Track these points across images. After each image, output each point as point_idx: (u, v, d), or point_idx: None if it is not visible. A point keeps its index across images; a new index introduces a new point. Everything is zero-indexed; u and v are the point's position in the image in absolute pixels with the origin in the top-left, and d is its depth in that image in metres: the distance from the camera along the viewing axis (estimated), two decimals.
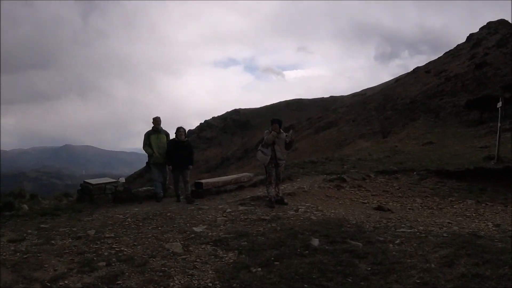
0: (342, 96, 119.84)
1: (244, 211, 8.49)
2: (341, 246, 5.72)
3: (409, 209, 9.72)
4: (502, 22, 73.07)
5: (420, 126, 34.31)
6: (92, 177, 12.37)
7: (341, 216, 7.98)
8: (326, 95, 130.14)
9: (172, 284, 4.75)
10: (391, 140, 31.64)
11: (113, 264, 5.42)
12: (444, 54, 75.93)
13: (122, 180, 15.10)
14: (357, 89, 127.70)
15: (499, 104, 15.24)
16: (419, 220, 7.91)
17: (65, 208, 9.52)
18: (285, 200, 9.57)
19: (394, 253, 5.38)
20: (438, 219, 8.21)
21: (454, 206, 10.11)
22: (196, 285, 4.74)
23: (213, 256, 5.64)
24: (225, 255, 5.65)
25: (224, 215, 8.23)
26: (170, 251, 5.88)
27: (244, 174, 13.36)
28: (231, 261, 5.41)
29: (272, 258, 5.34)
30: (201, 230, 6.99)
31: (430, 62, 75.08)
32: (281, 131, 9.52)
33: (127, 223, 7.83)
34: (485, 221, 8.26)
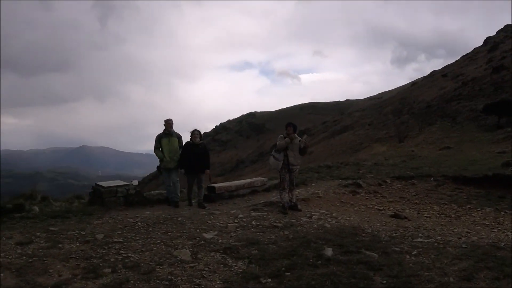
0: (358, 100, 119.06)
1: (257, 217, 8.29)
2: (356, 256, 5.48)
3: (426, 217, 9.42)
4: None
5: (436, 131, 33.77)
6: (108, 178, 12.28)
7: (356, 224, 7.74)
8: (342, 99, 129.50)
9: None
10: (407, 144, 31.17)
11: (119, 271, 5.26)
12: (461, 57, 75.03)
13: (135, 182, 14.99)
14: (373, 93, 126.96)
15: None
16: (436, 229, 7.63)
17: (76, 210, 9.43)
18: (299, 206, 9.35)
19: (410, 265, 5.12)
20: (457, 228, 7.91)
21: (473, 214, 9.77)
22: None
23: (222, 265, 5.44)
24: (235, 264, 5.44)
25: (236, 221, 8.03)
26: (178, 259, 5.69)
27: (257, 178, 13.15)
28: (240, 270, 5.21)
29: (283, 269, 5.12)
30: (211, 236, 6.80)
31: (446, 66, 74.24)
32: (296, 135, 9.31)
33: (136, 227, 7.70)
34: (505, 231, 7.94)
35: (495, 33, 75.31)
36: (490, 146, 22.92)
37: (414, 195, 12.11)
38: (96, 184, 10.82)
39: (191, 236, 6.85)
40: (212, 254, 5.86)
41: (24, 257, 5.79)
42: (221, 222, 7.90)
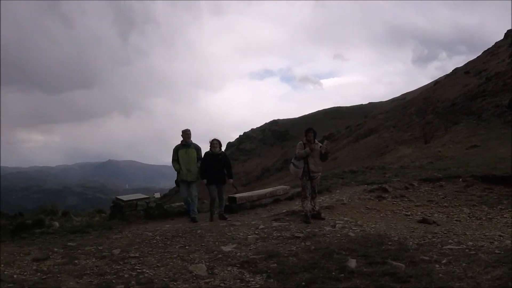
0: (381, 102, 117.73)
1: (278, 228, 7.98)
2: (381, 267, 5.11)
3: (456, 220, 8.92)
4: None
5: (462, 129, 32.96)
6: (135, 191, 12.18)
7: (382, 231, 7.33)
8: (365, 102, 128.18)
9: None
10: (433, 145, 30.46)
11: (131, 287, 5.06)
12: (482, 53, 73.37)
13: (157, 195, 14.87)
14: (396, 94, 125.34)
15: None
16: (467, 233, 7.18)
17: (96, 225, 9.40)
18: (322, 215, 9.00)
19: (440, 275, 4.73)
20: (488, 231, 7.43)
21: (505, 216, 9.24)
22: None
23: (238, 280, 5.15)
24: (252, 279, 5.15)
25: (256, 232, 7.74)
26: (194, 274, 5.45)
27: (280, 187, 12.87)
28: (258, 286, 4.92)
29: (303, 283, 4.79)
30: (230, 249, 6.53)
31: (469, 63, 72.73)
32: (316, 141, 9.00)
33: (155, 241, 7.56)
34: None
35: None
36: None
37: (443, 198, 11.63)
38: (117, 198, 10.74)
39: (209, 250, 6.61)
40: (229, 268, 5.58)
41: (39, 274, 5.72)
42: (241, 234, 7.63)
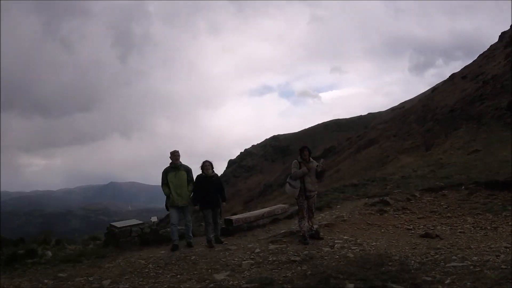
0: (380, 112, 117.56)
1: (274, 251, 7.64)
2: None
3: (459, 232, 8.56)
4: None
5: (463, 135, 32.66)
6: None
7: (383, 250, 6.98)
8: (364, 113, 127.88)
9: None
10: (435, 152, 30.15)
11: None
12: (478, 57, 73.19)
13: (154, 219, 14.54)
14: (395, 103, 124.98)
15: None
16: (472, 247, 6.84)
17: (89, 253, 9.11)
18: (321, 234, 8.66)
19: None
20: (494, 243, 7.09)
21: (510, 223, 8.89)
22: None
23: None
24: None
25: (252, 256, 7.41)
26: None
27: (278, 206, 12.54)
28: None
29: None
30: (223, 277, 6.19)
31: (465, 67, 72.51)
32: (311, 159, 8.70)
33: (147, 270, 7.26)
34: None
35: (509, 28, 73.31)
36: None
37: (446, 208, 11.32)
38: (111, 225, 10.44)
39: (201, 279, 6.28)
40: None
41: None
42: (236, 260, 7.29)
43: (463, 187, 13.08)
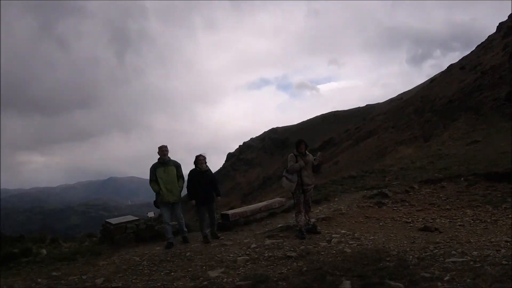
0: (378, 104, 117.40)
1: (270, 246, 7.49)
2: None
3: (459, 225, 8.41)
4: None
5: (462, 126, 32.53)
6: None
7: (381, 244, 6.82)
8: (362, 104, 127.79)
9: None
10: (433, 143, 30.02)
11: None
12: (476, 47, 73.09)
13: (151, 214, 14.38)
14: (393, 94, 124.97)
15: None
16: (472, 241, 6.68)
17: (84, 251, 8.98)
18: (318, 228, 8.51)
19: None
20: (494, 236, 6.94)
21: (510, 216, 8.72)
22: None
23: None
24: None
25: (248, 252, 7.27)
26: None
27: (275, 199, 12.41)
28: None
29: None
30: (217, 275, 6.04)
31: (463, 58, 72.39)
32: (307, 153, 8.53)
33: (141, 267, 7.16)
34: None
35: (506, 18, 73.17)
36: None
37: (445, 200, 11.20)
38: (106, 222, 10.33)
39: (195, 276, 6.14)
40: None
41: None
42: (231, 255, 7.15)
43: (462, 178, 12.97)
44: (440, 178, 13.62)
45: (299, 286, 5.05)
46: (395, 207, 10.97)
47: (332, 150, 59.81)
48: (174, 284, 5.85)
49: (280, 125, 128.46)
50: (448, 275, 4.80)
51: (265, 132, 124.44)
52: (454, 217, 9.29)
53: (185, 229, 9.42)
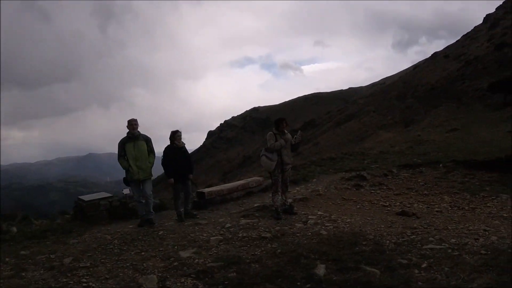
0: (361, 87, 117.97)
1: (245, 226, 7.32)
2: (353, 275, 4.45)
3: (437, 211, 8.34)
4: None
5: (442, 113, 32.87)
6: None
7: (357, 228, 6.69)
8: (345, 87, 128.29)
9: None
10: (413, 129, 30.28)
11: None
12: (462, 37, 73.90)
13: (127, 191, 14.11)
14: (376, 79, 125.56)
15: None
16: (449, 227, 6.59)
17: (56, 228, 8.70)
18: (294, 209, 8.36)
19: (420, 283, 4.11)
20: (472, 224, 6.86)
21: (488, 204, 8.75)
22: None
23: None
24: None
25: (222, 232, 7.08)
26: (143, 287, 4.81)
27: (252, 178, 12.23)
28: None
29: None
30: (188, 255, 5.83)
31: (448, 47, 73.16)
32: (286, 131, 8.32)
33: (111, 246, 6.89)
34: None
35: (494, 10, 74.14)
36: (499, 125, 21.96)
37: (423, 185, 11.19)
38: (78, 198, 10.02)
39: (165, 256, 5.92)
40: (182, 280, 4.87)
41: None
42: (204, 235, 6.95)
43: (440, 165, 13.02)
44: (418, 164, 13.66)
45: (272, 269, 4.88)
46: (373, 190, 10.92)
47: (313, 131, 59.96)
48: (144, 264, 5.64)
49: (262, 105, 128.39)
50: (426, 262, 4.67)
51: (246, 111, 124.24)
52: (431, 203, 9.24)
53: (152, 211, 8.72)
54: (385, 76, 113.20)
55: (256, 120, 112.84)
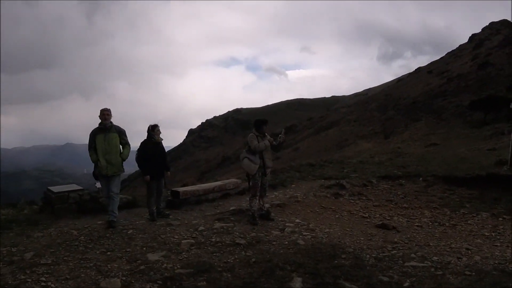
0: (344, 96, 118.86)
1: (219, 230, 6.99)
2: None
3: (417, 226, 8.17)
4: (504, 23, 72.52)
5: (422, 127, 33.15)
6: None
7: (336, 239, 6.43)
8: (328, 95, 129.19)
9: None
10: (393, 141, 30.44)
11: None
12: (446, 54, 75.20)
13: (99, 185, 13.67)
14: (359, 89, 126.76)
15: None
16: (431, 244, 6.40)
17: (22, 219, 8.22)
18: (272, 215, 8.07)
19: None
20: (454, 242, 6.69)
21: (469, 222, 8.63)
22: None
23: None
24: None
25: (194, 235, 6.73)
26: None
27: (230, 180, 11.91)
28: None
29: None
30: (157, 258, 5.48)
31: (432, 63, 74.30)
32: (266, 134, 8.02)
33: (76, 243, 6.47)
34: (509, 244, 6.80)
35: (480, 30, 75.71)
36: (478, 142, 22.08)
37: (402, 198, 11.05)
38: (48, 189, 9.55)
39: (132, 258, 5.55)
40: (148, 286, 4.52)
41: None
42: (176, 237, 6.59)
43: (420, 178, 12.93)
44: (398, 176, 13.54)
45: (244, 280, 4.56)
46: (352, 200, 10.73)
47: (294, 136, 59.95)
48: (108, 265, 5.27)
49: (245, 106, 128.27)
50: (408, 281, 4.42)
51: (229, 112, 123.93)
52: (412, 217, 9.08)
53: (115, 212, 7.89)
54: (368, 87, 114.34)
55: (237, 122, 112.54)
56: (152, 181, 8.31)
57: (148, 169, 8.21)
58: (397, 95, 55.13)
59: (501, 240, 7.16)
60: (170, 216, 8.41)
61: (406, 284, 4.32)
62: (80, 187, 9.75)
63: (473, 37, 75.19)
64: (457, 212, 9.43)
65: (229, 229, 7.10)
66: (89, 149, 7.91)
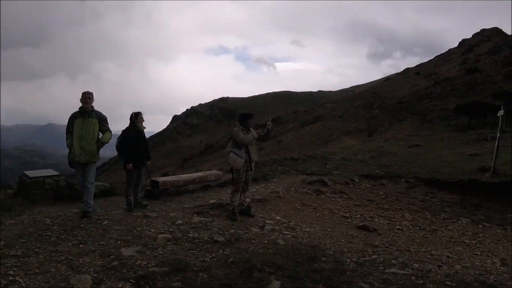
0: (330, 92, 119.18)
1: (198, 225, 6.79)
2: None
3: (398, 229, 8.10)
4: (495, 30, 73.45)
5: (406, 127, 33.34)
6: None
7: (316, 240, 6.30)
8: (315, 90, 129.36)
9: None
10: (376, 139, 30.53)
11: None
12: (435, 57, 75.87)
13: None
14: (347, 85, 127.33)
15: (500, 113, 13.77)
16: (412, 250, 6.32)
17: None
18: (252, 210, 7.91)
19: None
20: (434, 248, 6.62)
21: (449, 227, 8.62)
22: None
23: None
24: None
25: (171, 229, 6.52)
26: None
27: (212, 171, 11.70)
28: None
29: None
30: (131, 254, 5.27)
31: (420, 64, 74.96)
32: (251, 128, 7.83)
33: (49, 233, 6.21)
34: (489, 253, 6.80)
35: (471, 36, 76.59)
36: (461, 147, 22.26)
37: (384, 198, 11.04)
38: (23, 173, 9.25)
39: (106, 252, 5.32)
40: (120, 285, 4.34)
41: None
42: (152, 231, 6.37)
43: (402, 179, 12.97)
44: (380, 175, 13.56)
45: (221, 281, 4.39)
46: (333, 197, 10.66)
47: (278, 129, 59.93)
48: (80, 260, 5.04)
49: (231, 96, 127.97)
50: None
51: (214, 100, 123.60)
52: (392, 219, 9.03)
53: (90, 202, 7.52)
54: (356, 84, 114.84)
55: (223, 110, 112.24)
56: (133, 170, 8.06)
57: (130, 157, 7.96)
58: (384, 94, 55.46)
59: (481, 249, 7.13)
60: (148, 207, 8.19)
61: None
62: (56, 173, 9.45)
63: (463, 42, 76.11)
64: (437, 216, 9.43)
65: (208, 224, 6.91)
66: (66, 133, 7.56)
